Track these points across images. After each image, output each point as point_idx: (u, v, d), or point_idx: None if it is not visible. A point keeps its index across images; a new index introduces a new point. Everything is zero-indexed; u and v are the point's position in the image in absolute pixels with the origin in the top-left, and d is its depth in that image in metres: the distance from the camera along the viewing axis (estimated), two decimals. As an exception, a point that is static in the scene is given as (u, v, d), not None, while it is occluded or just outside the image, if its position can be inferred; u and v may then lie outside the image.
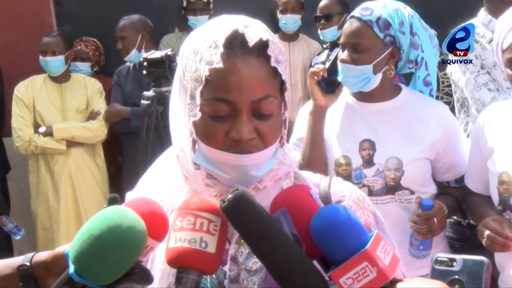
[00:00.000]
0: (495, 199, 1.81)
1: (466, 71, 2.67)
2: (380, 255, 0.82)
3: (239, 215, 0.84)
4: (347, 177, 1.94)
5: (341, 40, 1.98)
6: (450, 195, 2.05)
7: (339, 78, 1.97)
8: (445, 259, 0.85)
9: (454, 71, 2.79)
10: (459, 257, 0.85)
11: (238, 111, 0.95)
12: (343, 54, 1.96)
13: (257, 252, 0.85)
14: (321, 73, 1.97)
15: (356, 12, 1.95)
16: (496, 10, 2.64)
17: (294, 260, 0.83)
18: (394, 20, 1.92)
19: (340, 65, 1.96)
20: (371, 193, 1.95)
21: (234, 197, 0.83)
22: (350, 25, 1.95)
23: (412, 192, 1.96)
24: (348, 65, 1.93)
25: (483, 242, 1.71)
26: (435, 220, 1.86)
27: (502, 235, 1.67)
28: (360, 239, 0.83)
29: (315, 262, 0.87)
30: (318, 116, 1.98)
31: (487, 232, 1.69)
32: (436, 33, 2.06)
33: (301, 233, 0.86)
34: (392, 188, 1.95)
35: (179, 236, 0.85)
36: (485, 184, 1.88)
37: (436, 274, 0.85)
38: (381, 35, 1.91)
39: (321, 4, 3.98)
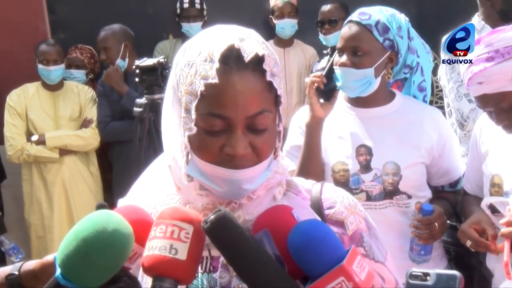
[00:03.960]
0: None
1: (450, 79, 2.66)
2: (356, 270, 0.83)
3: (221, 236, 0.84)
4: (345, 183, 1.93)
5: (339, 45, 1.96)
6: (445, 199, 2.06)
7: (338, 84, 1.93)
8: (419, 274, 0.86)
9: (442, 77, 2.79)
10: (432, 271, 0.86)
11: (233, 126, 0.94)
12: (342, 58, 1.93)
13: (240, 273, 0.85)
14: (320, 81, 1.92)
15: (354, 16, 1.95)
16: (487, 17, 2.63)
17: (277, 280, 0.83)
18: (392, 24, 1.93)
19: (339, 70, 1.93)
20: (369, 198, 1.94)
21: (216, 218, 0.84)
22: (349, 29, 1.94)
23: (410, 197, 1.96)
24: (349, 68, 1.91)
25: (468, 245, 1.84)
26: (436, 224, 1.87)
27: (481, 244, 1.79)
28: (336, 254, 0.83)
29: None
30: (315, 127, 1.92)
31: (468, 242, 1.81)
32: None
33: (283, 253, 0.86)
34: (390, 192, 1.95)
35: (151, 244, 0.85)
36: (481, 186, 1.92)
37: None
38: (381, 39, 1.91)
39: (324, 9, 3.95)
